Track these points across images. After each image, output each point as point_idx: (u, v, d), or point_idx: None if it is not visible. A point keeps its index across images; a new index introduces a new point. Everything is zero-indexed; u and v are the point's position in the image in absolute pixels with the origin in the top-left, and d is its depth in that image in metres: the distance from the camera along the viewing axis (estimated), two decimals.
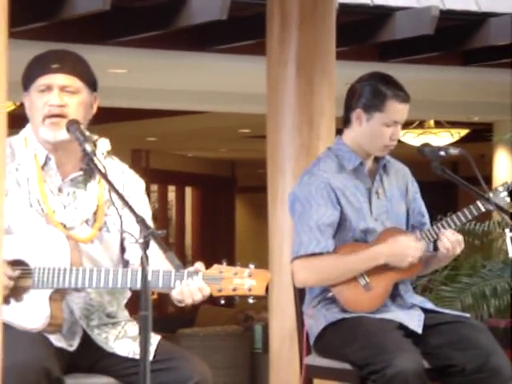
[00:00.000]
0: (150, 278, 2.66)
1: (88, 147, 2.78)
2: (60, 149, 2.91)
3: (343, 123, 3.40)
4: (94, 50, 5.68)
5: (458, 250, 3.31)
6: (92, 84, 2.95)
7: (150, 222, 2.86)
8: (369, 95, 3.30)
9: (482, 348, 3.18)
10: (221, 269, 2.76)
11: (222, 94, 7.48)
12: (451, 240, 3.28)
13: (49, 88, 2.87)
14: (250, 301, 2.76)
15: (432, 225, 3.35)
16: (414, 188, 3.46)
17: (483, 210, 3.30)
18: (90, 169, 2.88)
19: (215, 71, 6.68)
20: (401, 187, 3.43)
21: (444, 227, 3.30)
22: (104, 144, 2.99)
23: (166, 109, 8.01)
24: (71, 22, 5.30)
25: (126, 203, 2.68)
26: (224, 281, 2.74)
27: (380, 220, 3.34)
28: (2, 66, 2.20)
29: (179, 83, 7.06)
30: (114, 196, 2.73)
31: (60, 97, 2.87)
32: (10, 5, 2.24)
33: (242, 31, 5.66)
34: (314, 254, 3.26)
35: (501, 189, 3.34)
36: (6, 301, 2.77)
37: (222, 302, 2.77)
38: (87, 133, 2.84)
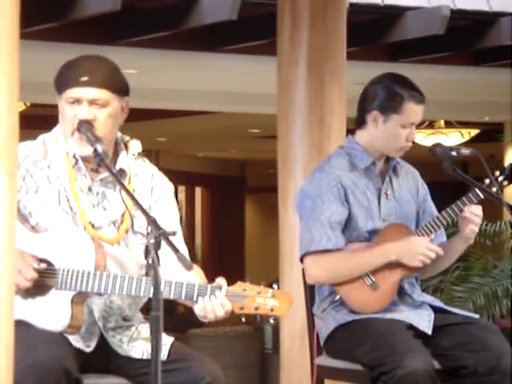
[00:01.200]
0: (173, 289, 2.73)
1: (99, 148, 2.78)
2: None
3: (357, 124, 3.38)
4: (105, 51, 5.65)
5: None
6: (123, 91, 2.93)
7: (178, 227, 2.91)
8: (385, 97, 3.29)
9: (494, 349, 3.17)
10: (244, 286, 2.76)
11: (233, 95, 7.48)
12: (477, 213, 3.25)
13: (78, 101, 2.86)
14: (271, 321, 2.76)
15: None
16: (423, 190, 3.46)
17: (482, 196, 3.28)
18: (121, 170, 2.89)
19: (225, 71, 6.68)
20: (411, 189, 3.43)
21: (445, 218, 3.28)
22: (135, 145, 3.00)
23: (176, 109, 8.02)
24: (82, 22, 5.31)
25: (137, 204, 2.68)
26: (247, 299, 2.75)
27: (388, 221, 3.34)
28: (13, 67, 2.21)
29: (189, 83, 7.06)
30: (140, 200, 2.74)
31: (89, 110, 2.86)
32: (21, 6, 2.24)
33: (252, 31, 5.66)
34: (325, 251, 3.26)
35: (497, 173, 3.33)
36: (30, 295, 2.77)
37: (244, 319, 2.76)
38: (98, 133, 2.84)
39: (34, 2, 4.96)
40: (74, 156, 2.91)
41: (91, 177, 2.92)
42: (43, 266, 2.78)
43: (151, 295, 2.76)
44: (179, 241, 2.88)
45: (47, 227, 2.84)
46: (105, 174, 2.91)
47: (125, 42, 5.69)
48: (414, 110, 3.29)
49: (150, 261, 2.50)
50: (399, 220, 3.35)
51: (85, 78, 2.86)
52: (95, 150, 2.79)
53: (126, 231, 2.91)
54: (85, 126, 2.84)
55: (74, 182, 2.89)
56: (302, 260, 3.33)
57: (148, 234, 2.57)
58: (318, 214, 3.25)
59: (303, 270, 3.34)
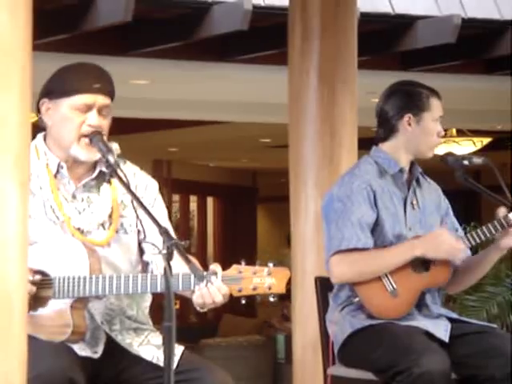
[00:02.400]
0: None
1: (111, 158, 2.79)
2: (70, 157, 2.92)
3: (382, 138, 3.41)
4: (116, 62, 5.70)
5: None
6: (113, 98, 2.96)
7: (166, 221, 2.88)
8: (412, 99, 3.38)
9: (509, 357, 3.16)
10: (240, 269, 2.76)
11: (244, 104, 7.49)
12: None
13: (89, 108, 2.87)
14: (271, 299, 2.75)
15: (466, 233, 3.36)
16: (445, 205, 3.50)
17: None
18: (102, 172, 2.89)
19: (237, 81, 6.69)
20: (434, 200, 3.46)
21: (485, 234, 3.29)
22: (114, 147, 3.00)
23: (187, 119, 8.03)
24: (93, 33, 5.33)
25: (148, 213, 2.69)
26: (244, 281, 2.75)
27: (413, 230, 3.36)
28: (26, 79, 2.22)
29: (201, 93, 7.08)
30: (124, 199, 2.73)
31: (98, 117, 2.87)
32: (33, 18, 2.26)
33: (263, 41, 5.67)
34: (354, 249, 3.26)
35: None
36: (30, 308, 2.76)
37: (243, 301, 2.76)
38: (110, 144, 2.85)
39: (46, 13, 4.98)
40: (58, 164, 2.91)
41: (75, 183, 2.92)
42: (38, 277, 2.78)
43: (148, 291, 2.78)
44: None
45: (37, 239, 2.84)
46: (86, 179, 2.92)
47: (136, 52, 5.70)
48: (438, 105, 3.41)
49: (163, 271, 2.51)
50: (424, 229, 3.37)
51: (98, 85, 2.87)
52: (107, 161, 2.79)
53: (116, 231, 2.91)
54: (97, 137, 2.85)
55: (57, 192, 2.89)
56: (328, 260, 3.32)
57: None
58: (349, 214, 3.28)
59: (329, 269, 3.32)
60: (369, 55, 5.58)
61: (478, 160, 3.39)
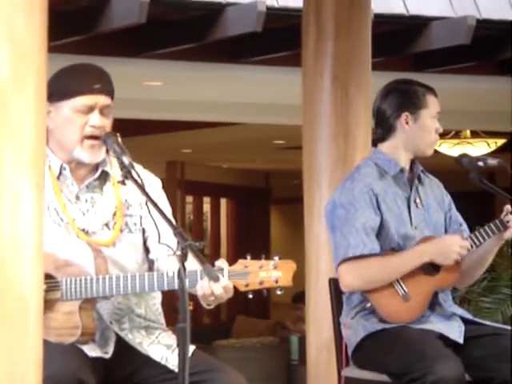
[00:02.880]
0: (176, 279, 2.66)
1: (126, 160, 2.79)
2: (75, 159, 2.92)
3: (380, 139, 3.42)
4: (130, 63, 5.71)
5: None
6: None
7: (171, 219, 2.87)
8: (408, 97, 3.38)
9: None
10: (245, 263, 2.76)
11: (257, 106, 7.49)
12: None
13: (91, 109, 2.87)
14: (278, 292, 2.75)
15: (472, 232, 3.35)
16: (448, 200, 3.48)
17: None
18: (104, 172, 2.89)
19: (250, 83, 6.69)
20: (437, 197, 3.45)
21: (488, 233, 3.28)
22: None
23: (201, 120, 8.04)
24: (108, 35, 5.34)
25: (162, 214, 2.69)
26: (250, 275, 2.74)
27: (419, 229, 3.34)
28: (41, 81, 2.22)
29: (214, 95, 7.08)
30: (129, 198, 2.74)
31: (100, 118, 2.87)
32: (48, 20, 2.26)
33: (277, 43, 5.66)
34: (361, 256, 3.25)
35: None
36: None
37: (250, 296, 2.76)
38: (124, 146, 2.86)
39: (60, 15, 5.00)
40: (61, 166, 2.91)
41: (78, 184, 2.93)
42: (44, 286, 2.78)
43: (156, 289, 2.78)
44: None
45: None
46: (89, 180, 2.92)
47: (150, 54, 5.71)
48: (435, 101, 3.39)
49: (177, 273, 2.51)
50: (429, 227, 3.36)
51: (98, 86, 2.87)
52: (122, 163, 2.80)
53: (121, 230, 2.91)
54: (111, 139, 2.86)
55: (60, 194, 2.89)
56: (337, 268, 3.32)
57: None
58: (353, 220, 3.27)
59: (339, 278, 3.32)
60: (383, 57, 5.57)
61: (492, 161, 3.38)
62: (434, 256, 3.26)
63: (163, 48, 5.65)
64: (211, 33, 5.41)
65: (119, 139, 2.87)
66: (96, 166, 2.93)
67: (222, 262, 2.77)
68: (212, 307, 2.81)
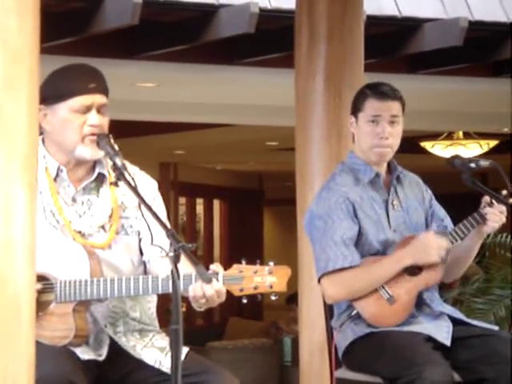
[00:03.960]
0: (171, 282, 2.66)
1: (118, 161, 2.79)
2: (72, 160, 2.92)
3: (353, 139, 3.45)
4: (123, 65, 5.71)
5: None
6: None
7: (165, 221, 2.87)
8: (353, 100, 3.41)
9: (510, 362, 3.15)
10: (240, 268, 2.77)
11: (250, 107, 7.49)
12: (499, 211, 3.27)
13: (88, 108, 2.87)
14: (273, 297, 2.76)
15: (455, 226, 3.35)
16: (428, 195, 3.47)
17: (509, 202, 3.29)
18: (101, 174, 2.89)
19: (243, 84, 6.69)
20: (417, 196, 3.44)
21: (467, 227, 3.29)
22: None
23: (194, 122, 8.04)
24: (100, 36, 5.33)
25: (155, 216, 2.69)
26: (245, 280, 2.75)
27: (399, 231, 3.34)
28: (33, 82, 2.22)
29: (207, 96, 7.08)
30: (125, 200, 2.75)
31: (98, 117, 2.88)
32: (41, 21, 2.26)
33: (270, 44, 5.67)
34: (342, 269, 3.25)
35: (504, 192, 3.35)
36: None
37: (245, 301, 2.76)
38: (117, 147, 2.86)
39: (53, 16, 4.99)
40: (58, 168, 2.91)
41: (74, 186, 2.93)
42: (39, 286, 2.77)
43: (150, 293, 2.77)
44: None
45: (37, 244, 2.84)
46: (86, 182, 2.92)
47: (143, 55, 5.71)
48: (375, 105, 3.32)
49: (170, 274, 2.51)
50: (409, 229, 3.36)
51: (93, 85, 2.87)
52: (114, 164, 2.80)
53: (117, 233, 2.91)
54: (104, 140, 2.86)
55: (57, 196, 2.90)
56: (319, 281, 3.32)
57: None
58: (331, 233, 3.26)
59: (321, 291, 3.33)
60: (375, 58, 5.57)
61: (484, 163, 3.38)
62: (414, 258, 3.26)
63: (156, 49, 5.65)
64: (204, 34, 5.41)
65: (112, 140, 2.87)
66: (93, 168, 2.93)
67: (216, 266, 2.77)
68: (202, 309, 2.81)
